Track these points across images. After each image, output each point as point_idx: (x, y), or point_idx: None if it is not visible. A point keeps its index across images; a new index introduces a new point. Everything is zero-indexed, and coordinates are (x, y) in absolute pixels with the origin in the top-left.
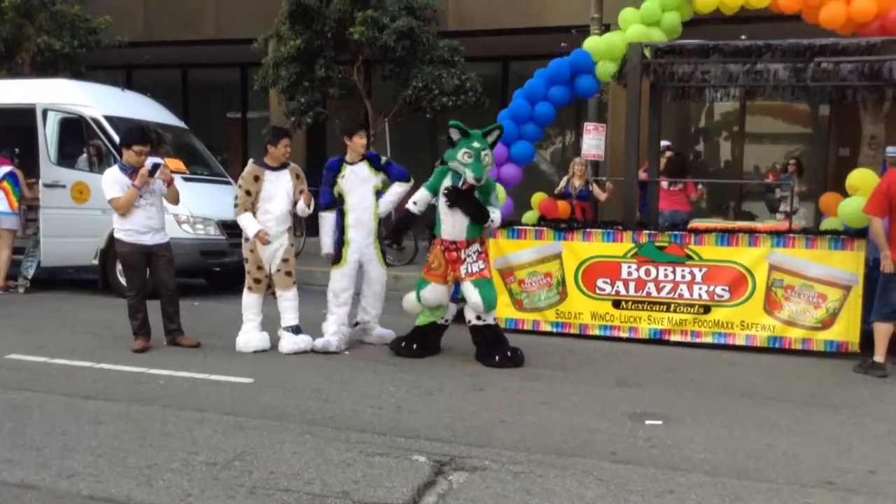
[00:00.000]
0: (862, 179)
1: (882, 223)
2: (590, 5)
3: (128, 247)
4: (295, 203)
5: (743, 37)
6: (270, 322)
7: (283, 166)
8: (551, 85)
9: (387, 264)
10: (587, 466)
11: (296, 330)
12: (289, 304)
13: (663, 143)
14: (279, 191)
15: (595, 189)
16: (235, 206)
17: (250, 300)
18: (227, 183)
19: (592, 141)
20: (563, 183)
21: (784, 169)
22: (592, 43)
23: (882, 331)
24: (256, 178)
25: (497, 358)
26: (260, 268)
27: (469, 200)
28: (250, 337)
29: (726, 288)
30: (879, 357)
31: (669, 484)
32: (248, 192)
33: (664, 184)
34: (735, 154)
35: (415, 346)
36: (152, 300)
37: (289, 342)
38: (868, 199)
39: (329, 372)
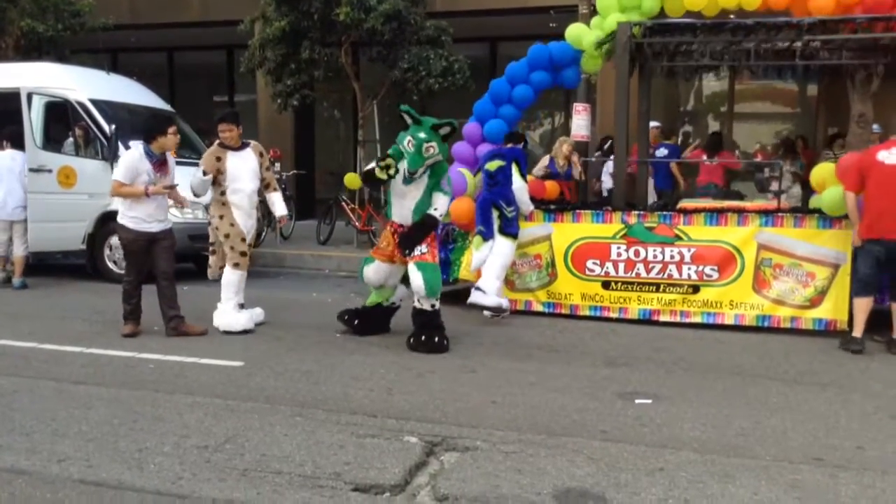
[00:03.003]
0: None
1: (854, 198)
2: None
3: (132, 234)
4: (262, 180)
5: (731, 15)
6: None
7: (243, 146)
8: (532, 70)
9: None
10: (578, 445)
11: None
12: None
13: (653, 123)
14: (244, 170)
15: (576, 167)
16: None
17: (235, 277)
18: None
19: (581, 122)
20: (545, 161)
21: (772, 150)
22: (575, 32)
23: (859, 306)
24: (218, 158)
25: (412, 340)
26: (244, 239)
27: (415, 234)
28: (238, 316)
29: (715, 267)
30: (856, 332)
31: (659, 462)
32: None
33: (704, 157)
34: (724, 134)
35: (356, 321)
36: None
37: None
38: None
39: (319, 355)
